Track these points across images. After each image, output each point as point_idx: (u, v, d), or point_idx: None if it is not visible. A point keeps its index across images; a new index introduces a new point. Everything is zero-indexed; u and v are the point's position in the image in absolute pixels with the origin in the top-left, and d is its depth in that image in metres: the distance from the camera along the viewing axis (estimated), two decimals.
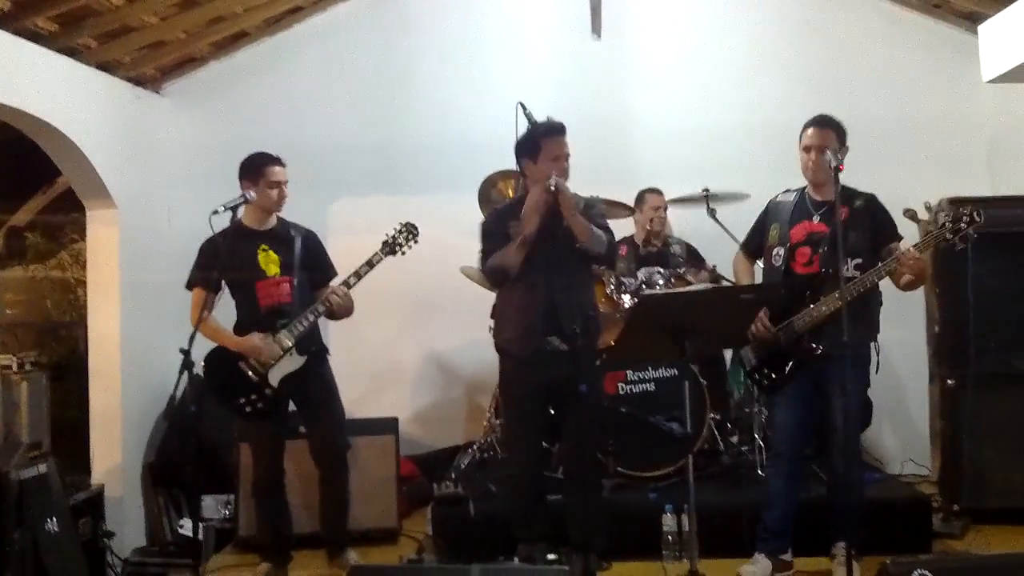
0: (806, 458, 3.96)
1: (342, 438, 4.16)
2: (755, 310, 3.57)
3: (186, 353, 3.26)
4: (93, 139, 4.84)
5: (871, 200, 3.74)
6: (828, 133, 3.66)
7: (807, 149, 3.71)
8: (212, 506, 4.81)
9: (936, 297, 4.58)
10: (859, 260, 3.63)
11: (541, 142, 3.67)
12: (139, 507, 5.16)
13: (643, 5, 5.78)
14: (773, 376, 3.81)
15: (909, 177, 5.04)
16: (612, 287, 4.72)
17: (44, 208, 6.19)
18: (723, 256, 4.95)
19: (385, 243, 3.99)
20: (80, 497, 4.55)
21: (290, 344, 3.88)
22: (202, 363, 3.80)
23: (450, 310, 5.53)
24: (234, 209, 3.66)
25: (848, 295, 3.39)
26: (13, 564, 3.86)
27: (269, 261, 3.95)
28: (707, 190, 5.03)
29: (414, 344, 5.79)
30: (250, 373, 3.86)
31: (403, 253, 4.00)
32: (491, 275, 3.85)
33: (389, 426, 4.67)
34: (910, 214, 4.56)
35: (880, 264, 3.55)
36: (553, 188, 3.55)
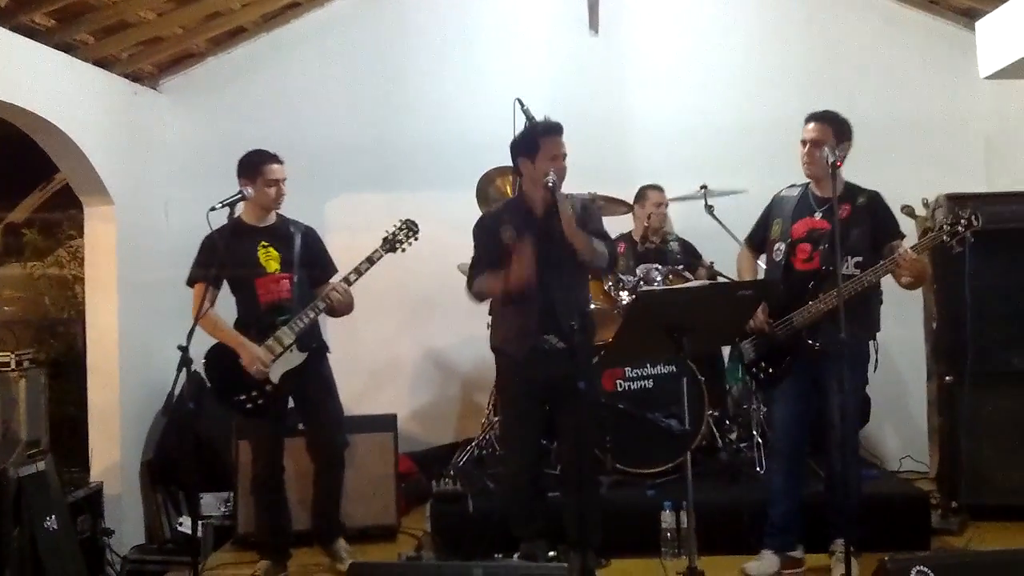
0: (805, 455, 3.96)
1: (340, 436, 4.17)
2: (753, 307, 3.57)
3: (184, 350, 3.25)
4: (90, 136, 4.83)
5: (874, 197, 3.73)
6: (825, 128, 3.64)
7: (803, 143, 3.71)
8: (211, 503, 4.82)
9: (934, 294, 4.58)
10: (859, 258, 3.63)
11: (539, 141, 3.66)
12: (138, 504, 5.15)
13: (641, 1, 5.77)
14: (770, 370, 3.81)
15: (906, 173, 5.03)
16: (610, 284, 4.73)
17: (41, 205, 6.19)
18: (721, 253, 4.97)
19: (385, 240, 3.98)
20: (79, 495, 4.54)
21: (291, 340, 3.88)
22: (203, 360, 3.80)
23: (448, 307, 5.50)
24: (231, 206, 3.65)
25: (847, 293, 3.39)
26: (11, 562, 3.85)
27: (269, 258, 3.96)
28: (705, 187, 5.04)
29: (412, 341, 5.79)
30: (251, 371, 3.85)
31: (403, 250, 4.00)
32: (476, 297, 3.89)
33: (387, 423, 4.67)
34: (907, 210, 4.56)
35: (879, 263, 3.53)
36: (551, 185, 3.54)
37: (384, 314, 5.50)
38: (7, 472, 3.94)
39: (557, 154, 3.66)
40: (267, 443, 4.02)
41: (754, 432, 4.69)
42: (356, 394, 5.03)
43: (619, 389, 4.57)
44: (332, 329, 4.45)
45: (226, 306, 3.99)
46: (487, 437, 4.99)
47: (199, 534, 4.33)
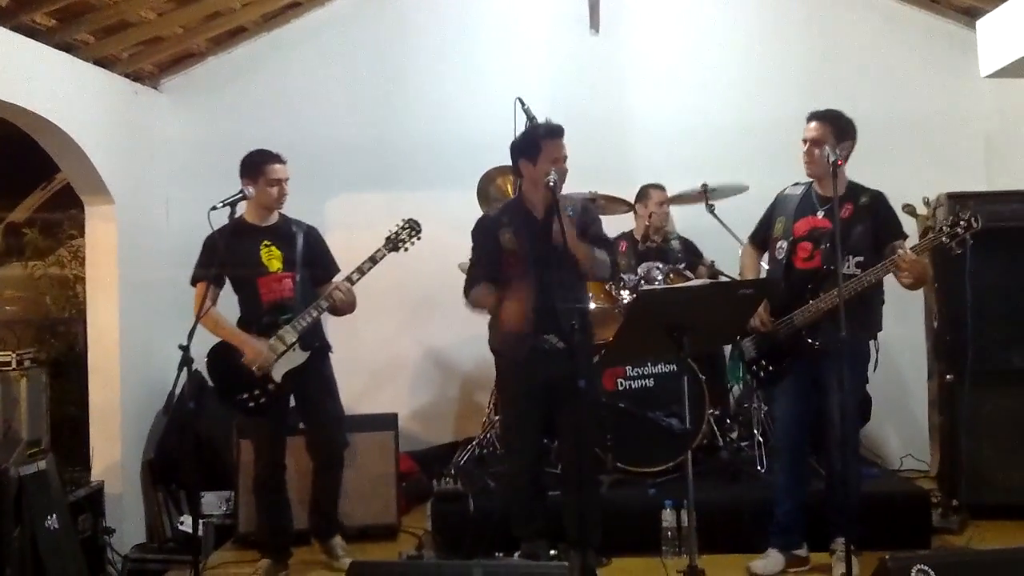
0: (807, 453, 3.96)
1: (340, 435, 4.18)
2: (754, 305, 3.57)
3: (185, 349, 3.26)
4: (91, 135, 4.83)
5: (877, 197, 3.71)
6: (825, 127, 3.63)
7: (804, 142, 3.70)
8: (212, 502, 4.82)
9: (935, 293, 4.59)
10: (860, 258, 3.62)
11: (540, 144, 3.65)
12: (139, 504, 5.16)
13: (641, 1, 5.76)
14: (771, 368, 3.82)
15: (907, 172, 5.03)
16: (611, 283, 4.72)
17: (42, 205, 6.18)
18: (722, 252, 4.98)
19: (388, 239, 3.98)
20: (79, 494, 4.54)
21: (293, 339, 3.88)
22: (205, 359, 3.81)
23: (448, 307, 5.47)
24: (232, 205, 3.66)
25: (847, 293, 3.39)
26: (12, 561, 3.84)
27: (271, 257, 3.96)
28: (706, 185, 5.03)
29: (413, 341, 5.79)
30: (253, 368, 3.86)
31: (406, 249, 4.00)
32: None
33: (388, 422, 4.68)
34: (908, 209, 4.56)
35: (880, 263, 3.53)
36: (551, 184, 3.54)
37: (385, 314, 5.50)
38: (8, 471, 3.93)
39: (558, 156, 3.65)
40: (269, 442, 4.02)
41: (755, 431, 4.69)
42: (357, 393, 5.04)
43: (620, 388, 4.58)
44: (333, 328, 4.45)
45: (228, 306, 3.99)
46: (488, 436, 4.99)
47: (200, 533, 4.33)
